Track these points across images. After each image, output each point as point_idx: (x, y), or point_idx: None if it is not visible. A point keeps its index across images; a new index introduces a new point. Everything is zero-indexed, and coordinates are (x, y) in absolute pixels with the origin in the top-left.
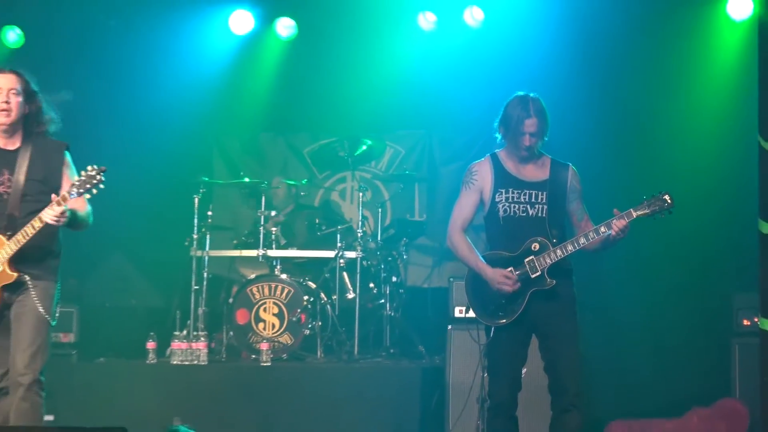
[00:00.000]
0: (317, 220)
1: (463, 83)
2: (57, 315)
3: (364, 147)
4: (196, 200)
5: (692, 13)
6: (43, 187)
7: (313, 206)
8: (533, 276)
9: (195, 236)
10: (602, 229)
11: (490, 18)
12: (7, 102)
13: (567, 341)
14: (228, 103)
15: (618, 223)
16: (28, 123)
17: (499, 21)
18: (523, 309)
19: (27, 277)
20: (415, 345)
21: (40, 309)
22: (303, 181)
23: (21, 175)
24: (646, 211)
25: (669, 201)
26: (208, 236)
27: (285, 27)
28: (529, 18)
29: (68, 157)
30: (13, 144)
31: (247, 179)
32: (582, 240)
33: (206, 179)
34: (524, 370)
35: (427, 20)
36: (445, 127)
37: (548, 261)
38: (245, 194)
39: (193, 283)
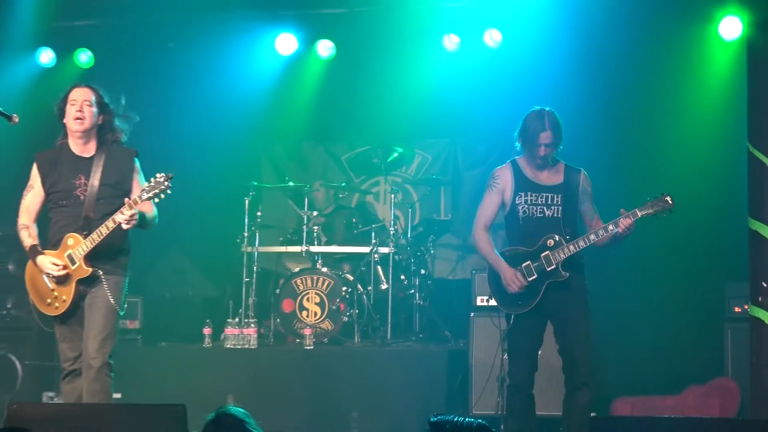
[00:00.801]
0: (354, 220)
1: (484, 97)
2: (125, 306)
3: (396, 154)
4: (247, 202)
5: (687, 34)
6: (116, 190)
7: (350, 207)
8: (549, 269)
9: (246, 234)
10: (610, 227)
11: (508, 39)
12: (81, 112)
13: (579, 327)
14: (274, 116)
15: (624, 222)
16: (101, 132)
17: (515, 42)
18: (540, 298)
19: (100, 272)
20: (441, 330)
21: (111, 300)
22: (341, 185)
23: (95, 180)
24: (650, 211)
25: (670, 202)
26: (257, 234)
27: (325, 48)
28: (541, 40)
29: (137, 163)
30: (88, 152)
31: (291, 183)
32: (592, 237)
33: (255, 183)
34: (540, 353)
35: (451, 41)
36: (468, 136)
37: (562, 256)
38: (290, 196)
39: (244, 275)
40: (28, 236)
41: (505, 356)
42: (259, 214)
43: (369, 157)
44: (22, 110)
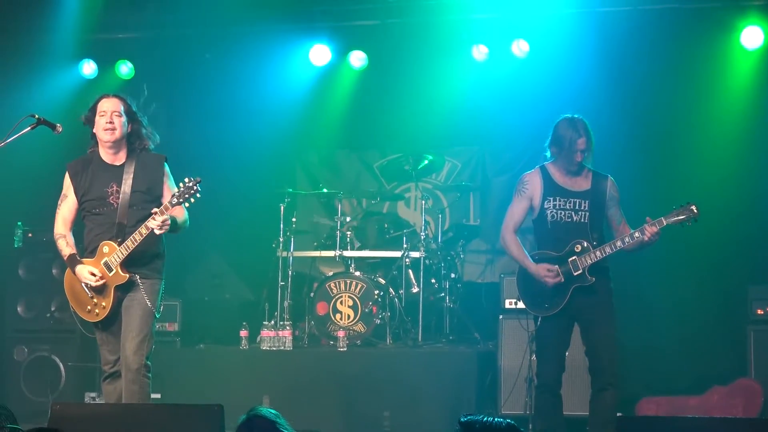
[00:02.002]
0: (386, 225)
1: (512, 106)
2: (162, 309)
3: (426, 161)
4: (282, 208)
5: (710, 44)
6: (147, 196)
7: (382, 213)
8: (575, 273)
9: (281, 239)
10: (636, 234)
11: (535, 50)
12: (111, 123)
13: (605, 329)
14: (309, 125)
15: (650, 230)
16: (131, 140)
17: (542, 52)
18: (567, 302)
19: (137, 277)
20: (471, 332)
21: (148, 303)
22: (373, 191)
23: (127, 187)
24: (675, 219)
25: (695, 211)
26: (292, 239)
27: (357, 59)
28: (568, 50)
29: (167, 167)
30: (119, 160)
31: (325, 190)
32: (619, 243)
33: (290, 190)
34: (567, 354)
35: (480, 52)
36: (497, 144)
37: (589, 261)
38: (324, 203)
39: (279, 279)
40: (66, 245)
41: (534, 357)
42: (294, 219)
43: (400, 165)
44: (66, 120)
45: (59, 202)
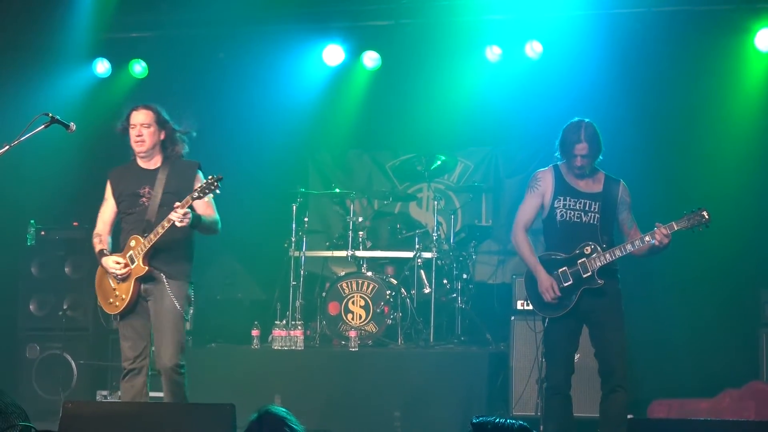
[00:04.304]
0: (398, 225)
1: (524, 107)
2: (191, 311)
3: (439, 162)
4: (294, 208)
5: (723, 46)
6: (177, 198)
7: (394, 213)
8: (585, 276)
9: (293, 239)
10: (647, 238)
11: (548, 51)
12: (140, 135)
13: (614, 331)
14: (321, 125)
15: (660, 234)
16: (165, 146)
17: (555, 54)
18: (575, 304)
19: (163, 275)
20: (482, 333)
21: (176, 305)
22: (386, 191)
23: (159, 188)
24: (686, 224)
25: (706, 216)
26: (304, 239)
27: (370, 59)
28: (581, 52)
29: (200, 174)
30: (154, 165)
31: (337, 190)
32: (629, 247)
33: (303, 190)
34: (577, 356)
35: (493, 53)
36: (509, 145)
37: (598, 263)
38: (336, 203)
39: (291, 279)
40: (99, 243)
41: (543, 359)
42: (306, 219)
43: (413, 165)
44: (79, 119)
45: (101, 205)
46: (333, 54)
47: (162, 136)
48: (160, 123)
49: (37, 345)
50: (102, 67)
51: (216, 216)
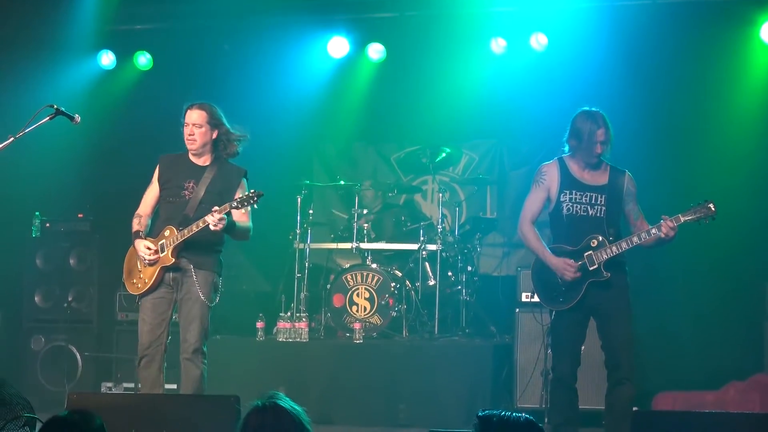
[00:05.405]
0: (403, 218)
1: (530, 99)
2: (216, 299)
3: (444, 154)
4: (299, 200)
5: (729, 38)
6: (218, 199)
7: (399, 205)
8: (591, 268)
9: (298, 231)
10: (653, 230)
11: (553, 43)
12: (191, 134)
13: (621, 323)
14: (326, 116)
15: (666, 226)
16: (216, 146)
17: (560, 46)
18: (582, 296)
19: (191, 266)
20: (487, 325)
21: (201, 295)
22: (390, 184)
23: (203, 186)
24: (692, 217)
25: (713, 209)
26: (309, 231)
27: (376, 51)
28: (586, 44)
29: (245, 181)
30: (203, 162)
31: (342, 182)
32: (635, 239)
33: (307, 182)
34: (583, 348)
35: (498, 45)
36: (514, 137)
37: (605, 256)
38: (341, 195)
39: (296, 271)
40: (137, 224)
41: (549, 351)
42: (311, 211)
43: (418, 157)
44: (84, 111)
45: (147, 187)
46: (338, 46)
47: (214, 136)
48: (213, 123)
49: (42, 337)
50: (107, 59)
51: (249, 224)
